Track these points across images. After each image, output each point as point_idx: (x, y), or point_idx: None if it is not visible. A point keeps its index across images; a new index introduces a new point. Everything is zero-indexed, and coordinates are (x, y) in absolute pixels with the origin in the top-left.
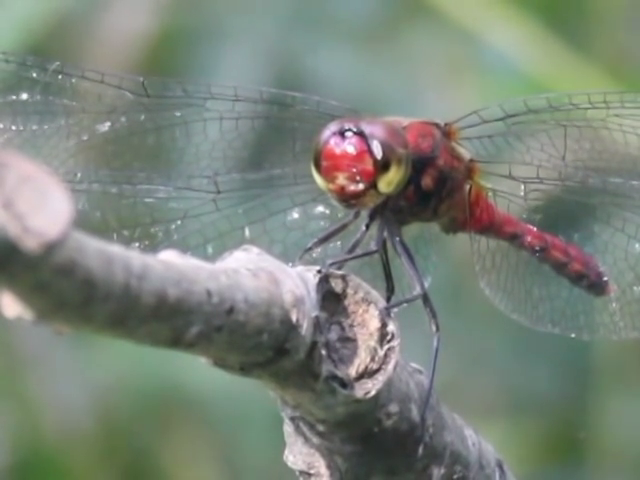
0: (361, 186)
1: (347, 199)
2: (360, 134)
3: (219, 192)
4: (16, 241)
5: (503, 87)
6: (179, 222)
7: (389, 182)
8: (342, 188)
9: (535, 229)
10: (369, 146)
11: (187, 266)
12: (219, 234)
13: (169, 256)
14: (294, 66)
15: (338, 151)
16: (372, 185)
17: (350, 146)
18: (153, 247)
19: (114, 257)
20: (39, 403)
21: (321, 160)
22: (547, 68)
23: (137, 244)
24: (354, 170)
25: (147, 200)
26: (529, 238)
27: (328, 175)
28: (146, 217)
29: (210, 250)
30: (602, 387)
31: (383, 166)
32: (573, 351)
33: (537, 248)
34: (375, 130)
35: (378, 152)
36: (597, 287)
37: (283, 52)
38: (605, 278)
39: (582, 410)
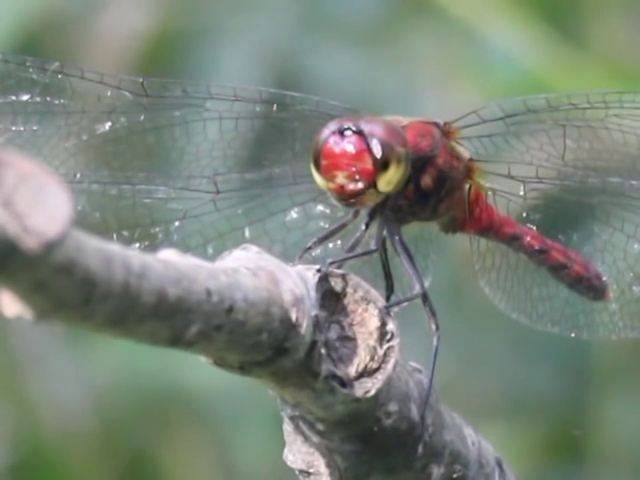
0: (360, 185)
1: (346, 198)
2: (359, 133)
3: (218, 192)
4: (15, 240)
5: (503, 86)
6: (179, 222)
7: (388, 181)
8: (341, 187)
9: (534, 231)
10: (368, 145)
11: (187, 265)
12: (219, 234)
13: (168, 255)
14: (294, 66)
15: (337, 150)
16: (371, 184)
17: (349, 145)
18: (153, 247)
19: (113, 256)
20: (38, 403)
21: (320, 159)
22: (547, 66)
23: (137, 245)
24: (353, 169)
25: (147, 200)
26: (528, 239)
27: (327, 174)
28: (146, 217)
29: (210, 250)
30: (602, 387)
31: (382, 165)
32: (573, 351)
33: (536, 249)
34: (374, 129)
35: (377, 151)
36: (596, 291)
37: (283, 52)
38: (604, 280)
39: (582, 410)
